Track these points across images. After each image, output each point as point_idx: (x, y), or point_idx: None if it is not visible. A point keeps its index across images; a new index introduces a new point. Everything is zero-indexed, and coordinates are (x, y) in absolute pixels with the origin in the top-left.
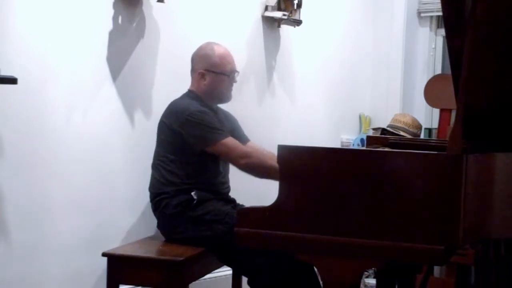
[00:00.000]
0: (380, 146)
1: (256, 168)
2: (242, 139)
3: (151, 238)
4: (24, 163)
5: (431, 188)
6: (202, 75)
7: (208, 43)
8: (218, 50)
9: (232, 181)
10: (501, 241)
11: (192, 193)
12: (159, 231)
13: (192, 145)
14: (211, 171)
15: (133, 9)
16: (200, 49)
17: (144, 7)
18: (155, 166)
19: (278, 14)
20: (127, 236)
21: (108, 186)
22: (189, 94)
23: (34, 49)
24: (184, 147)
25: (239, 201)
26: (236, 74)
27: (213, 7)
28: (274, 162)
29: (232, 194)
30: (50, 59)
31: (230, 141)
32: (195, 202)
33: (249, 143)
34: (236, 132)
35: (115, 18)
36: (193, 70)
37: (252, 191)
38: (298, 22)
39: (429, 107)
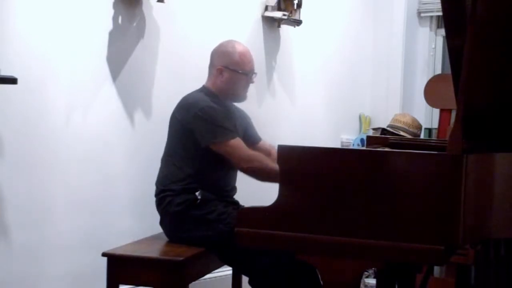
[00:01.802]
0: (380, 146)
1: (258, 172)
2: (255, 137)
3: (151, 238)
4: (24, 163)
5: (431, 188)
6: (221, 72)
7: (230, 41)
8: (239, 48)
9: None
10: (501, 241)
11: (197, 193)
12: (159, 231)
13: (198, 141)
14: (218, 172)
15: (133, 9)
16: (221, 45)
17: (144, 7)
18: (164, 160)
19: (278, 14)
20: (127, 236)
21: (108, 186)
22: (203, 89)
23: (34, 49)
24: (193, 143)
25: (241, 201)
26: (254, 75)
27: (213, 7)
28: (276, 166)
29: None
30: (50, 59)
31: (236, 142)
32: (198, 201)
33: (260, 143)
34: (249, 130)
35: (115, 18)
36: (211, 66)
37: (253, 191)
38: (298, 22)
39: (429, 107)
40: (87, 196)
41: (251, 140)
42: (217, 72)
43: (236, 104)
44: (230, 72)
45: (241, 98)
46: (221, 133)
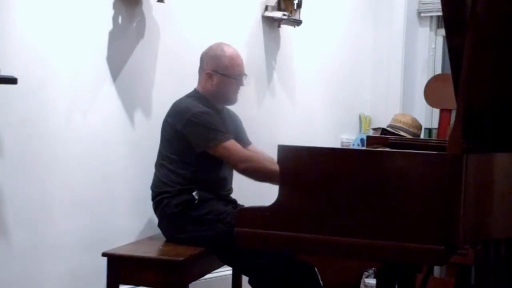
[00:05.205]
0: (380, 146)
1: (256, 172)
2: (245, 141)
3: (151, 238)
4: (24, 163)
5: (431, 188)
6: (210, 76)
7: (219, 44)
8: (228, 52)
9: (233, 181)
10: (501, 241)
11: (193, 193)
12: (159, 231)
13: (193, 146)
14: (214, 172)
15: (133, 9)
16: (210, 49)
17: (144, 7)
18: (158, 165)
19: (278, 14)
20: (127, 236)
21: (108, 186)
22: (195, 93)
23: (34, 49)
24: (186, 148)
25: (240, 201)
26: (244, 77)
27: (213, 7)
28: (274, 167)
29: (232, 194)
30: (50, 59)
31: (231, 143)
32: (196, 202)
33: (250, 147)
34: (240, 133)
35: (115, 18)
36: (201, 69)
37: (252, 191)
38: (298, 22)
39: (429, 107)
40: (87, 196)
41: (242, 143)
42: (206, 76)
43: (231, 106)
44: (220, 76)
45: (232, 101)
46: (215, 136)
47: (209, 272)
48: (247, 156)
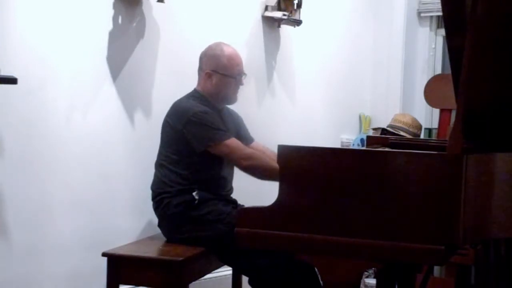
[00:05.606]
0: (380, 146)
1: (258, 169)
2: (247, 138)
3: (151, 238)
4: (24, 163)
5: (431, 188)
6: (209, 76)
7: (218, 44)
8: (227, 51)
9: (233, 180)
10: (501, 241)
11: (194, 193)
12: (159, 231)
13: (194, 146)
14: (214, 172)
15: (133, 9)
16: (209, 48)
17: (144, 7)
18: (158, 165)
19: (278, 14)
20: (127, 236)
21: (108, 186)
22: (194, 93)
23: (34, 49)
24: (187, 148)
25: (240, 201)
26: (243, 76)
27: (213, 7)
28: (276, 164)
29: (232, 194)
30: (50, 59)
31: (233, 142)
32: (196, 202)
33: (253, 143)
34: (241, 131)
35: (115, 18)
36: (200, 69)
37: (252, 191)
38: (298, 22)
39: (429, 107)
40: (87, 196)
41: (244, 141)
42: (206, 76)
43: (231, 105)
44: (219, 76)
45: (232, 100)
46: (216, 135)
47: (209, 272)
48: (249, 153)
